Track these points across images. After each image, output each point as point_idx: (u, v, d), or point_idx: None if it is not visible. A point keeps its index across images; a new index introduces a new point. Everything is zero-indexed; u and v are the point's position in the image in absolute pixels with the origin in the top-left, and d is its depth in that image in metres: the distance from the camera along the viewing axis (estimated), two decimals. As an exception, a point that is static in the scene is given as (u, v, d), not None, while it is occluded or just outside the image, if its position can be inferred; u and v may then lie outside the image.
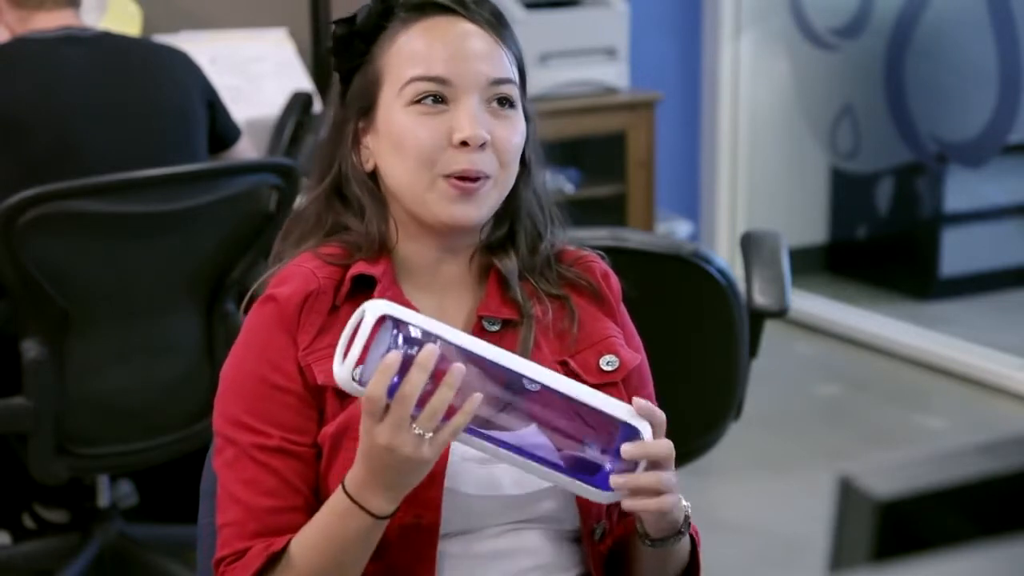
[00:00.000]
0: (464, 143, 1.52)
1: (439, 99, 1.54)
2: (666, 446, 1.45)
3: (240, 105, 3.36)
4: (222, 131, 3.05)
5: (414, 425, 1.39)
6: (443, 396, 1.38)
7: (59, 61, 2.83)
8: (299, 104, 3.57)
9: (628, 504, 1.45)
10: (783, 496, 3.68)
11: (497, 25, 1.58)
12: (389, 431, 1.39)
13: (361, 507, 1.44)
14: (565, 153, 4.72)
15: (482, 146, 1.53)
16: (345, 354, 1.39)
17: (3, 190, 2.65)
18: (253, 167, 2.91)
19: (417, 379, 1.37)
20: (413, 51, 1.55)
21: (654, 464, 1.45)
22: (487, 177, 1.54)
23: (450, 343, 1.41)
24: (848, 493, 0.77)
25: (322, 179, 1.62)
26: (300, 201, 1.68)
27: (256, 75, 3.82)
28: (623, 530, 1.60)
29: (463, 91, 1.54)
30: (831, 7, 5.11)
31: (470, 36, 1.56)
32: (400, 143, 1.55)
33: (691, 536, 1.59)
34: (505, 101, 1.56)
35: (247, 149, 3.15)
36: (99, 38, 2.93)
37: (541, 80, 4.50)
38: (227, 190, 2.78)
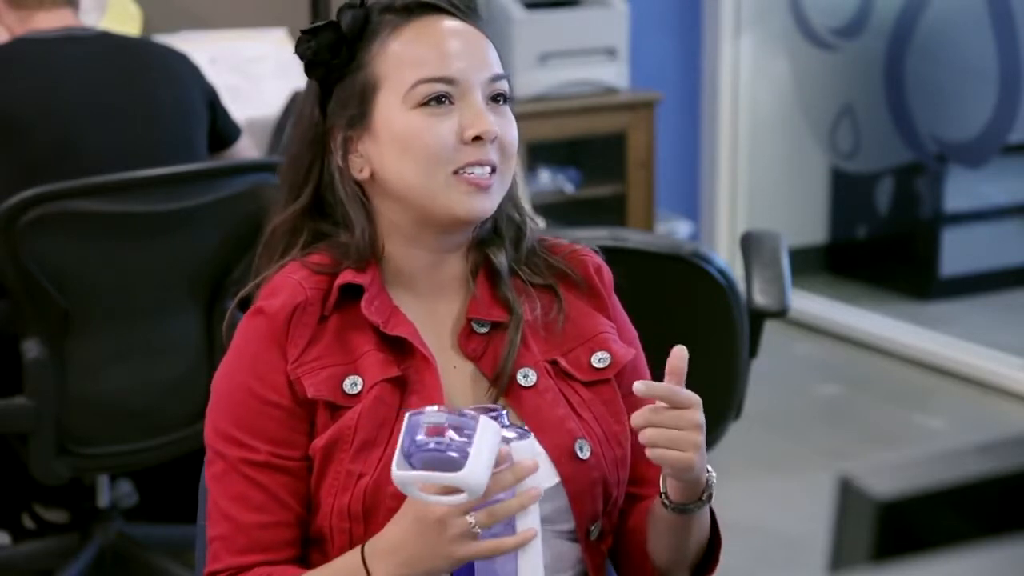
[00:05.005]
0: (477, 138, 1.53)
1: (445, 99, 1.54)
2: (688, 395, 1.47)
3: (240, 105, 3.36)
4: (222, 130, 3.05)
5: (470, 516, 1.41)
6: (510, 507, 1.41)
7: (59, 61, 2.83)
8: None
9: (651, 453, 1.47)
10: (783, 496, 3.68)
11: (479, 19, 1.60)
12: (448, 509, 1.41)
13: (367, 571, 1.46)
14: (565, 153, 4.72)
15: (492, 140, 1.54)
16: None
17: (3, 190, 2.65)
18: (253, 167, 2.91)
19: (507, 482, 1.41)
20: (414, 54, 1.55)
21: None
22: (495, 168, 1.55)
23: None
24: (848, 493, 0.77)
25: (295, 192, 1.61)
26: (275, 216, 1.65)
27: (256, 75, 3.82)
28: (647, 503, 1.61)
29: (468, 89, 1.55)
30: (831, 7, 5.11)
31: (463, 34, 1.57)
32: (409, 145, 1.54)
33: (718, 530, 1.61)
34: (502, 97, 1.58)
35: (247, 148, 3.16)
36: (99, 38, 2.93)
37: (541, 80, 4.50)
38: (227, 190, 2.78)
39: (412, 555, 1.44)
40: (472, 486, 1.37)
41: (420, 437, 1.38)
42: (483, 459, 1.37)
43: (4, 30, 2.93)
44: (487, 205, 1.56)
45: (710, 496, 1.54)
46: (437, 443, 1.38)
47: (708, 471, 1.53)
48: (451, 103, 1.54)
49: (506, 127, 1.56)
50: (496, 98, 1.57)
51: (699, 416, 1.47)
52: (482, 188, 1.54)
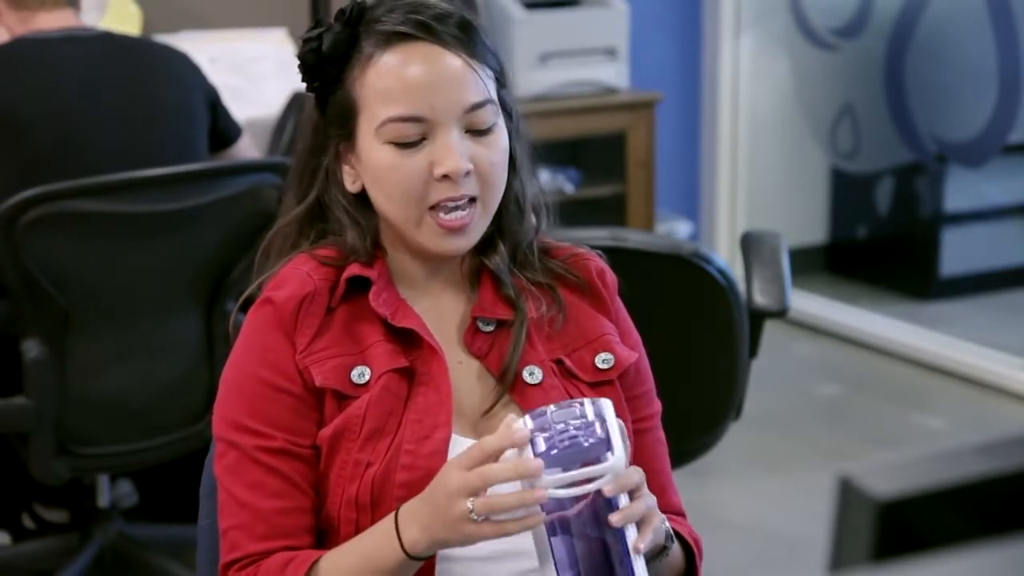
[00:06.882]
0: (446, 176, 1.52)
1: (417, 135, 1.53)
2: (637, 475, 1.44)
3: (240, 105, 3.36)
4: (223, 131, 3.05)
5: (469, 501, 1.40)
6: (509, 502, 1.39)
7: (60, 61, 2.83)
8: (299, 104, 3.57)
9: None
10: (783, 496, 3.68)
11: (466, 39, 1.55)
12: (458, 485, 1.40)
13: (399, 534, 1.45)
14: (565, 153, 4.72)
15: (466, 174, 1.53)
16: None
17: (4, 189, 2.66)
18: (254, 167, 2.91)
19: (505, 474, 1.39)
20: (386, 89, 1.53)
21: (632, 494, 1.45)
22: (473, 201, 1.54)
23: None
24: (848, 493, 0.77)
25: (303, 188, 1.61)
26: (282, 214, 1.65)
27: (256, 75, 3.82)
28: None
29: (440, 124, 1.52)
30: (831, 7, 5.11)
31: (441, 64, 1.53)
32: (383, 180, 1.54)
33: (689, 546, 1.60)
34: (483, 124, 1.55)
35: (248, 148, 3.16)
36: (100, 38, 2.93)
37: (541, 80, 4.50)
38: (228, 189, 2.78)
39: (431, 520, 1.43)
40: (619, 469, 1.40)
41: (546, 436, 1.40)
42: (620, 440, 1.41)
43: (5, 30, 2.93)
44: (463, 244, 1.55)
45: (672, 540, 1.54)
46: (566, 438, 1.40)
47: (664, 524, 1.53)
48: (423, 138, 1.53)
49: (488, 154, 1.54)
50: (480, 126, 1.54)
51: (644, 488, 1.46)
52: (456, 230, 1.54)
